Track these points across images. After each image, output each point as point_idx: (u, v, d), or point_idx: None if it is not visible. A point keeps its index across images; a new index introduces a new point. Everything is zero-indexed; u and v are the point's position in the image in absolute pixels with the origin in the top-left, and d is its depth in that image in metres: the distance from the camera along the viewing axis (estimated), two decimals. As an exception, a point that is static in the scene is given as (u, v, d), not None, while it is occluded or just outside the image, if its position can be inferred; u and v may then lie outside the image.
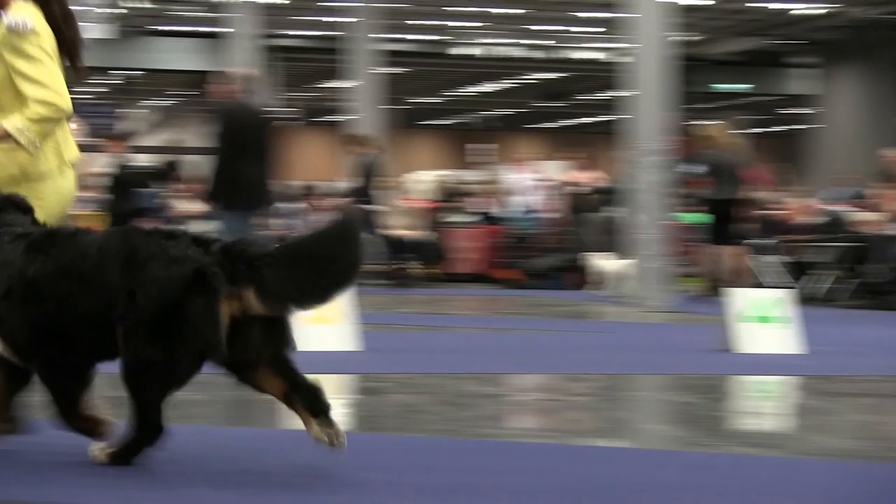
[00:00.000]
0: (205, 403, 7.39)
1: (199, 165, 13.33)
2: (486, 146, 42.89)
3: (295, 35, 35.25)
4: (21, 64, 5.37)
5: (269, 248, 4.92)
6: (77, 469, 5.01)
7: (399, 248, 22.15)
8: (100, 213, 22.52)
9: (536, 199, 24.44)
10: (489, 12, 33.52)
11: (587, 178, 23.27)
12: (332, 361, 9.40)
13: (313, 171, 33.85)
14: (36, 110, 5.31)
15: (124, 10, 31.27)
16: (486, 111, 49.16)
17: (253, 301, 4.82)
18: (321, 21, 33.16)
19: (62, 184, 5.51)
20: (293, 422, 7.02)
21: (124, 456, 4.96)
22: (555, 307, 17.45)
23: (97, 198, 22.52)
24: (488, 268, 23.28)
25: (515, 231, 23.56)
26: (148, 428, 4.93)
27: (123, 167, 19.10)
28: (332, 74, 30.06)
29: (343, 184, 23.21)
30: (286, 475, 5.09)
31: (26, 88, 5.35)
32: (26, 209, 5.21)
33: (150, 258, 4.76)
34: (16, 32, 5.38)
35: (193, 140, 35.85)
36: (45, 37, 5.45)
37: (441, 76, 42.15)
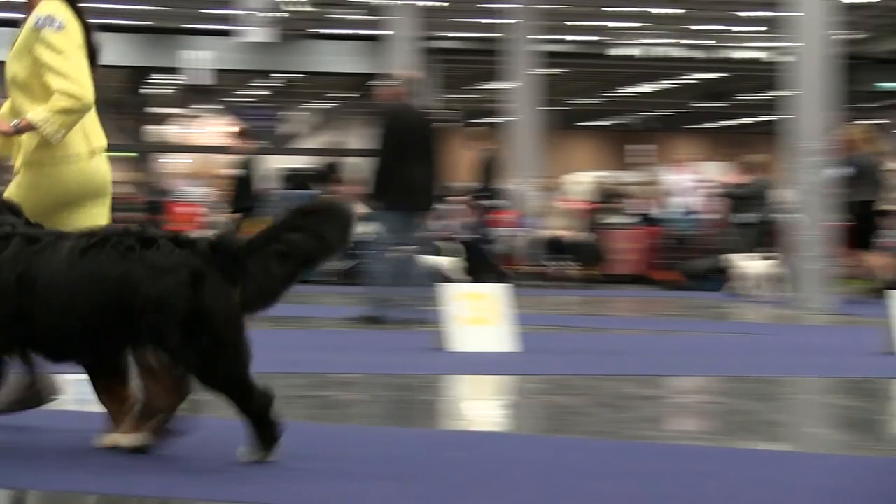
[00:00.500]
0: (365, 404, 7.48)
1: (360, 167, 13.45)
2: (645, 147, 42.58)
3: (454, 37, 35.37)
4: (48, 56, 5.56)
5: (249, 239, 5.04)
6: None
7: (557, 248, 22.12)
8: (264, 213, 22.89)
9: (696, 201, 24.22)
10: (648, 12, 33.29)
11: (747, 178, 22.99)
12: (490, 362, 9.44)
13: (473, 172, 33.85)
14: (59, 102, 5.50)
15: (286, 14, 31.68)
16: (644, 112, 48.80)
17: (242, 295, 5.00)
18: (480, 23, 33.23)
19: (89, 168, 5.68)
20: (451, 422, 7.07)
21: (266, 442, 5.09)
22: (714, 309, 17.28)
23: (264, 200, 22.89)
24: (647, 269, 23.13)
25: (674, 232, 23.38)
26: (253, 404, 5.10)
27: (247, 166, 19.39)
28: (490, 76, 30.10)
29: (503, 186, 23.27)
30: (441, 474, 5.12)
31: (51, 80, 5.54)
32: (18, 212, 5.35)
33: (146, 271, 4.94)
34: (45, 27, 5.58)
35: (354, 142, 36.16)
36: (73, 32, 5.66)
37: (599, 77, 41.94)
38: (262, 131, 45.00)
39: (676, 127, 49.72)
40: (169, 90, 42.12)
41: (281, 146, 44.15)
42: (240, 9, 29.28)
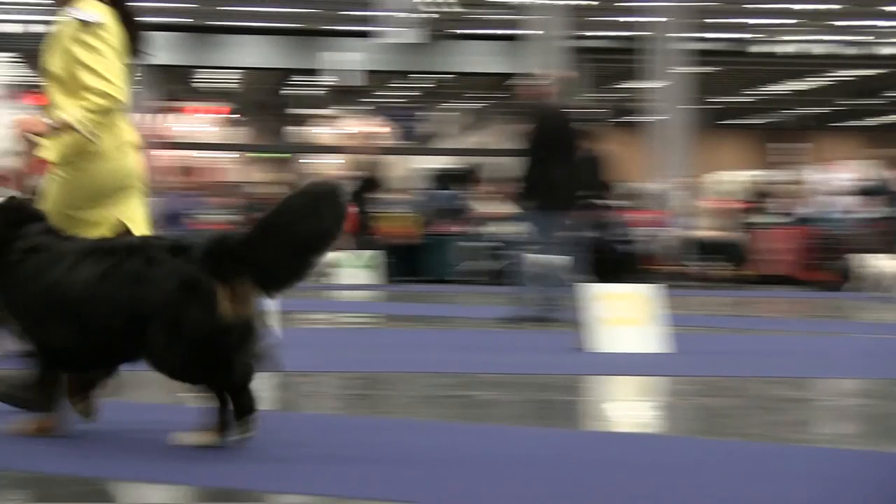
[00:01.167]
0: (510, 404, 7.45)
1: (504, 168, 13.44)
2: (793, 145, 42.00)
3: (598, 36, 35.22)
4: (83, 54, 5.67)
5: (245, 235, 5.15)
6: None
7: (702, 249, 21.90)
8: (410, 213, 23.00)
9: (847, 200, 23.81)
10: (791, 9, 32.81)
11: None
12: (640, 363, 9.36)
13: (617, 172, 33.59)
14: (93, 100, 5.62)
15: (429, 15, 31.81)
16: (792, 110, 48.14)
17: (248, 292, 5.11)
18: (624, 21, 33.04)
19: (119, 164, 5.81)
20: (596, 423, 7.01)
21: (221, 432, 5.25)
22: (866, 310, 16.96)
23: (407, 199, 22.98)
24: (797, 269, 22.78)
25: (825, 232, 22.99)
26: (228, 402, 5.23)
27: (372, 167, 19.49)
28: (634, 75, 29.93)
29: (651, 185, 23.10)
30: (584, 475, 5.08)
31: (85, 78, 5.65)
32: (42, 219, 5.56)
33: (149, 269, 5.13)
34: (81, 25, 5.69)
35: (499, 142, 36.19)
36: (110, 31, 5.75)
37: (744, 75, 41.46)
38: (404, 132, 45.35)
39: (825, 125, 48.98)
40: (311, 92, 42.57)
41: (423, 146, 44.36)
42: (382, 10, 29.46)
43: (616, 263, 19.81)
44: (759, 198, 25.21)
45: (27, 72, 31.13)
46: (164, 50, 36.23)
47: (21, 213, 5.54)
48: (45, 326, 5.29)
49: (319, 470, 5.03)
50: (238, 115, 45.38)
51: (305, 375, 8.34)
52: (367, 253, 21.32)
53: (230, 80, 42.25)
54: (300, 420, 6.51)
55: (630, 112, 38.42)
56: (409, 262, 22.15)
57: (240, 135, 45.37)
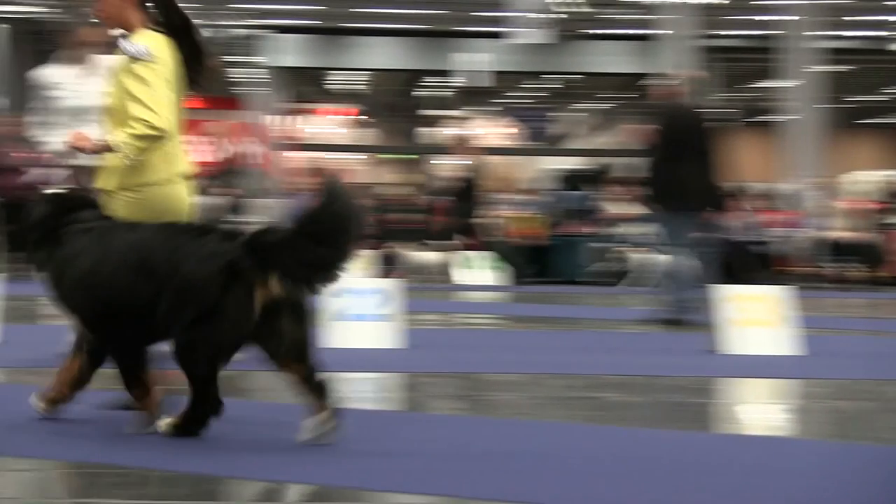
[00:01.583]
0: (639, 406, 7.39)
1: (636, 168, 13.33)
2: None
3: (730, 35, 34.86)
4: (131, 85, 5.95)
5: (282, 233, 5.40)
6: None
7: (838, 250, 21.55)
8: (538, 214, 22.95)
9: None
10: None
11: None
12: (772, 366, 9.22)
13: (749, 172, 33.34)
14: (135, 128, 5.89)
15: (559, 15, 31.74)
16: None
17: (276, 286, 5.32)
18: (756, 20, 32.67)
19: (172, 192, 6.06)
20: (727, 425, 6.92)
21: (187, 427, 5.47)
22: None
23: (535, 200, 22.93)
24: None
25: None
26: (204, 400, 5.43)
27: (473, 170, 19.46)
28: (768, 74, 29.57)
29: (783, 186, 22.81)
30: (714, 477, 5.00)
31: (131, 107, 5.91)
32: (95, 205, 5.94)
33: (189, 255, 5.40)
34: (133, 57, 5.97)
35: (629, 143, 36.02)
36: (163, 63, 6.00)
37: (882, 73, 40.76)
38: (533, 133, 45.31)
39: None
40: (442, 93, 42.69)
41: (552, 147, 44.27)
42: (512, 11, 29.45)
43: (749, 264, 19.58)
44: (895, 198, 24.75)
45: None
46: (294, 52, 36.62)
47: (75, 201, 5.94)
48: (93, 298, 5.59)
49: (445, 470, 5.02)
50: (367, 117, 45.69)
51: (432, 376, 8.34)
52: (493, 254, 21.31)
53: (360, 81, 42.55)
54: (426, 420, 6.51)
55: (763, 112, 37.99)
56: (537, 264, 22.09)
57: (369, 136, 45.69)
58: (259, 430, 5.81)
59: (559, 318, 13.96)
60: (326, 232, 5.32)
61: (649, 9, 28.84)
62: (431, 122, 44.41)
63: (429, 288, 18.26)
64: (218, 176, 19.08)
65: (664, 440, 6.00)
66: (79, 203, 5.93)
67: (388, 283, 10.12)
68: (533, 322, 13.54)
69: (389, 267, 19.64)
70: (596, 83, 40.92)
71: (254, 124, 36.81)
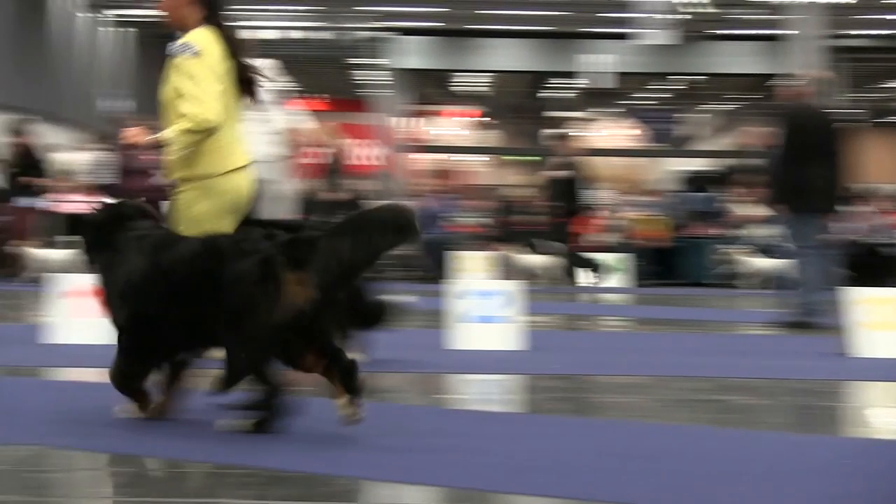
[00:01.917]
0: (765, 409, 7.31)
1: (761, 169, 13.18)
2: None
3: (858, 35, 34.36)
4: (182, 81, 6.19)
5: (318, 234, 5.69)
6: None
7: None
8: (662, 216, 22.79)
9: None
10: None
11: None
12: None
13: (877, 173, 32.82)
14: (184, 123, 6.14)
15: (687, 16, 31.51)
16: None
17: (308, 281, 5.54)
18: (885, 19, 32.17)
19: (227, 184, 6.27)
20: (855, 429, 6.81)
21: (265, 421, 5.63)
22: None
23: (660, 202, 22.76)
24: None
25: None
26: (268, 390, 5.61)
27: (572, 167, 19.31)
28: (897, 74, 29.10)
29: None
30: (842, 481, 4.93)
31: (180, 103, 6.17)
32: (149, 215, 6.20)
33: (230, 255, 5.68)
34: (182, 54, 6.21)
35: (755, 144, 35.65)
36: (210, 59, 6.21)
37: None
38: (657, 134, 45.02)
39: None
40: (567, 94, 42.58)
41: (678, 149, 43.94)
42: (638, 12, 29.29)
43: (879, 267, 19.28)
44: None
45: (288, 78, 31.86)
46: (418, 54, 36.76)
47: (130, 211, 6.21)
48: (142, 300, 5.84)
49: (566, 472, 5.01)
50: (491, 119, 45.73)
51: (555, 378, 8.32)
52: (619, 256, 21.21)
53: (484, 83, 42.60)
54: (548, 423, 6.49)
55: (891, 112, 37.37)
56: (661, 266, 21.96)
57: (492, 138, 45.72)
58: (389, 430, 5.84)
59: (684, 321, 13.86)
60: (360, 236, 5.59)
61: (776, 9, 28.52)
62: (556, 123, 44.36)
63: (551, 290, 18.23)
64: (328, 176, 19.22)
65: (791, 444, 5.93)
66: (134, 212, 6.19)
67: (511, 286, 10.12)
68: (657, 324, 13.46)
69: (510, 269, 19.59)
70: (721, 84, 40.57)
71: (379, 126, 37.01)
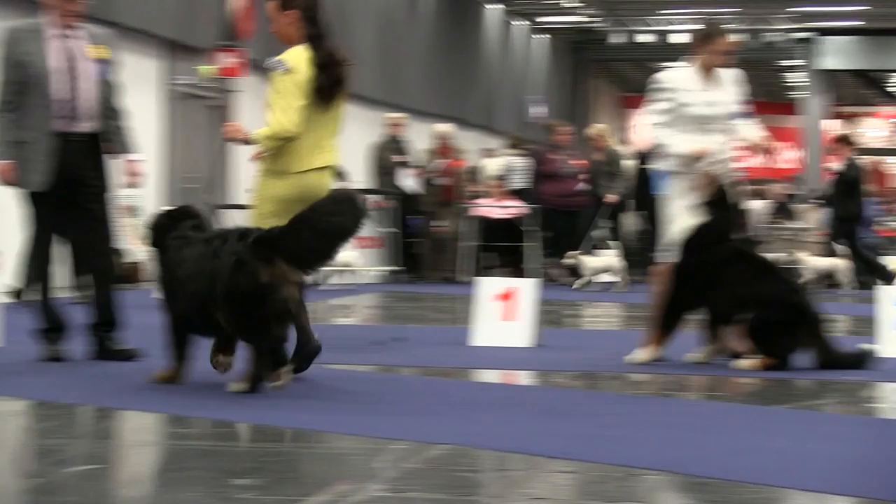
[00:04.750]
0: None
1: None
2: None
3: None
4: (271, 94, 7.27)
5: (281, 229, 6.70)
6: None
7: None
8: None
9: None
10: None
11: None
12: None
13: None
14: (265, 130, 7.23)
15: None
16: None
17: (284, 268, 6.62)
18: None
19: (299, 182, 7.27)
20: None
21: (252, 384, 6.70)
22: None
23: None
24: None
25: None
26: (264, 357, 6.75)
27: (850, 168, 18.21)
28: None
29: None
30: None
31: (267, 112, 7.24)
32: (196, 217, 7.29)
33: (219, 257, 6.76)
34: (275, 69, 7.23)
35: None
36: (300, 77, 7.19)
37: None
38: None
39: None
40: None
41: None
42: None
43: None
44: None
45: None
46: (845, 54, 35.73)
47: (182, 213, 7.32)
48: (176, 292, 6.98)
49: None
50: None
51: None
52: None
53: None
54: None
55: None
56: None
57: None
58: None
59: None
60: (321, 226, 6.63)
61: None
62: None
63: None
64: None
65: None
66: (184, 216, 7.27)
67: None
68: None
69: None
70: None
71: (806, 129, 36.27)
